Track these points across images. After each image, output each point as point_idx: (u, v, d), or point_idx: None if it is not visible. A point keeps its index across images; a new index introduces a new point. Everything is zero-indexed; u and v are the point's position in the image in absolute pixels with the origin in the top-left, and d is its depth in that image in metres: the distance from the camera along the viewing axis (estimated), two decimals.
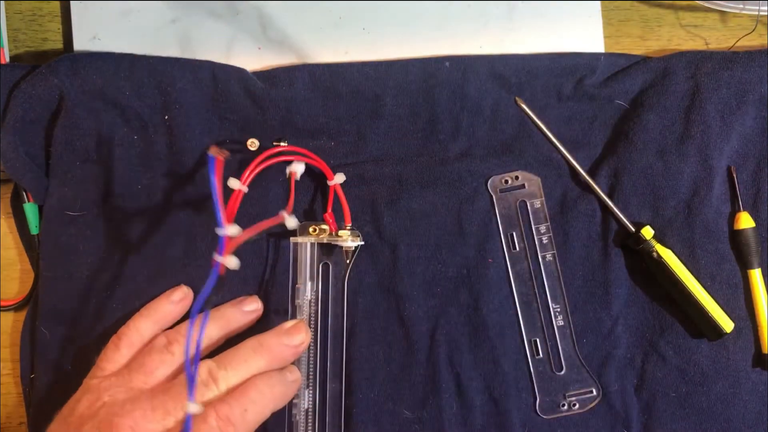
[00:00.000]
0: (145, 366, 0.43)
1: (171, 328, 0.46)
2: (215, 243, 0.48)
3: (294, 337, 0.45)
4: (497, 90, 0.51)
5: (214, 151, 0.41)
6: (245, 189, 0.44)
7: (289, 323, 0.46)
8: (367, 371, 0.49)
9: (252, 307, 0.48)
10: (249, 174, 0.45)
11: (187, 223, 0.49)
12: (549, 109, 0.51)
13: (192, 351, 0.40)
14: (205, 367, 0.43)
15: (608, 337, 0.50)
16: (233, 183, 0.44)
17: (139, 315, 0.46)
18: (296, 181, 0.49)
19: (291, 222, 0.43)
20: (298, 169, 0.46)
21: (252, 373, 0.43)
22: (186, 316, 0.48)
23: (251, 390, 0.42)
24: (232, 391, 0.42)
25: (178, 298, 0.47)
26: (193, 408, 0.39)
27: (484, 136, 0.51)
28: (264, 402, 0.42)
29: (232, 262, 0.41)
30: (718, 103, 0.50)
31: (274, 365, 0.44)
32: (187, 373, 0.40)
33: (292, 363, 0.46)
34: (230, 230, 0.40)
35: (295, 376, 0.45)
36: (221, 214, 0.40)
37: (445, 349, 0.49)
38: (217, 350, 0.45)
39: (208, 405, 0.41)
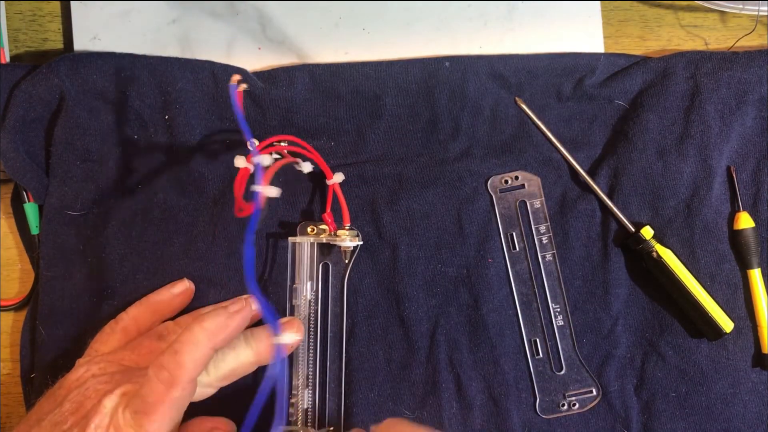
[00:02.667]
0: (138, 348, 0.44)
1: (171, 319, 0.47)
2: (215, 243, 0.49)
3: (285, 333, 0.45)
4: (497, 90, 0.51)
5: (235, 80, 0.41)
6: (252, 167, 0.42)
7: (284, 320, 0.46)
8: (367, 371, 0.49)
9: (236, 308, 0.47)
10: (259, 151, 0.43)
11: (186, 222, 0.49)
12: (549, 109, 0.51)
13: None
14: None
15: (608, 337, 0.50)
16: (239, 161, 0.42)
17: (139, 303, 0.47)
18: (294, 181, 0.50)
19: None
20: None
21: (240, 361, 0.43)
22: (184, 312, 0.48)
23: (183, 333, 0.40)
24: None
25: (179, 291, 0.47)
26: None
27: (484, 136, 0.51)
28: (196, 339, 0.39)
29: (272, 191, 0.40)
30: (717, 103, 0.50)
31: (261, 358, 0.44)
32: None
33: (292, 362, 0.47)
34: (265, 160, 0.40)
35: (237, 306, 0.42)
36: (252, 141, 0.40)
37: (445, 349, 0.49)
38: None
39: None
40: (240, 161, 0.42)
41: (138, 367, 0.43)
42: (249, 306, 0.42)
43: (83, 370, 0.42)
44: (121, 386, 0.40)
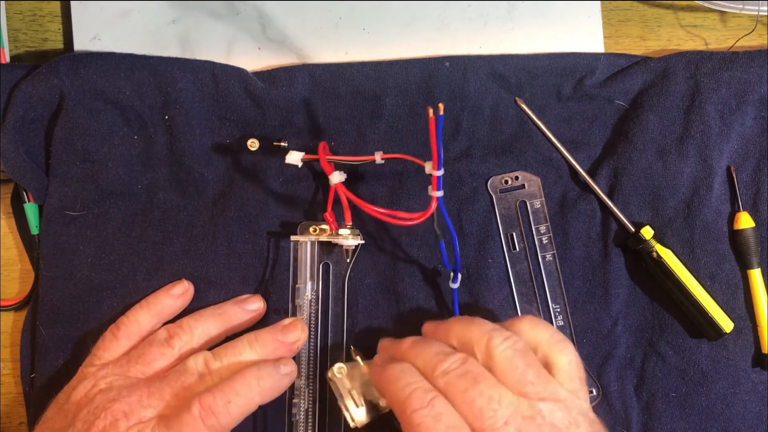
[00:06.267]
0: (144, 356, 0.43)
1: (171, 321, 0.47)
2: (215, 242, 0.49)
3: (289, 334, 0.45)
4: (497, 90, 0.51)
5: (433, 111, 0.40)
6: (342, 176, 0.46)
7: (287, 321, 0.46)
8: None
9: (254, 306, 0.48)
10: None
11: (186, 222, 0.49)
12: (549, 109, 0.51)
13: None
14: (201, 358, 0.43)
15: (608, 337, 0.50)
16: (336, 177, 0.46)
17: (139, 306, 0.47)
18: (296, 181, 0.50)
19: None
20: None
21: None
22: (185, 312, 0.48)
23: (238, 381, 0.41)
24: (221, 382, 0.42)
25: (179, 292, 0.47)
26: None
27: (484, 136, 0.51)
28: (250, 394, 0.41)
29: (441, 192, 0.43)
30: (717, 103, 0.50)
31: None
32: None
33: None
34: (440, 172, 0.42)
35: (289, 368, 0.44)
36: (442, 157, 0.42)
37: None
38: (217, 347, 0.45)
39: (194, 395, 0.41)
40: (336, 177, 0.45)
41: (145, 378, 0.43)
42: (296, 372, 0.45)
43: (90, 384, 0.42)
44: (138, 411, 0.40)
